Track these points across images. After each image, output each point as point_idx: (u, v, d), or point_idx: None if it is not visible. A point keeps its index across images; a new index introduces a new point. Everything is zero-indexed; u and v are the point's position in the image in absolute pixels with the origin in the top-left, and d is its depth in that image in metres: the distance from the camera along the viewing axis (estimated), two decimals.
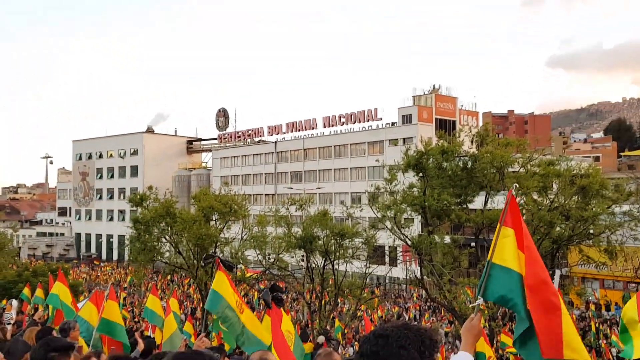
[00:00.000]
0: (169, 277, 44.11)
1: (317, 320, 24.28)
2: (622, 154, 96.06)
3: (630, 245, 22.20)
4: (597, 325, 28.09)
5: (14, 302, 17.29)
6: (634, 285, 34.20)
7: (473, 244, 24.25)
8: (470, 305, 19.02)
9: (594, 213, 20.61)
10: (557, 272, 4.36)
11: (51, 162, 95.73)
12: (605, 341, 25.82)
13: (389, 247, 30.26)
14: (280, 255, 25.71)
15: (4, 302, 19.28)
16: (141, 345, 8.32)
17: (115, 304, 8.31)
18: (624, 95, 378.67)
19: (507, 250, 3.89)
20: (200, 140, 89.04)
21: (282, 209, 26.16)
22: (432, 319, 33.15)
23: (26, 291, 16.82)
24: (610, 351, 24.49)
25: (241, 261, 25.47)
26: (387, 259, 35.02)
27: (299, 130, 69.51)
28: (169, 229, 25.12)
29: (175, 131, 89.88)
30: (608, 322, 29.64)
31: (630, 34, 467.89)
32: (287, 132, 70.69)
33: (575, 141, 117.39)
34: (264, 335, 6.34)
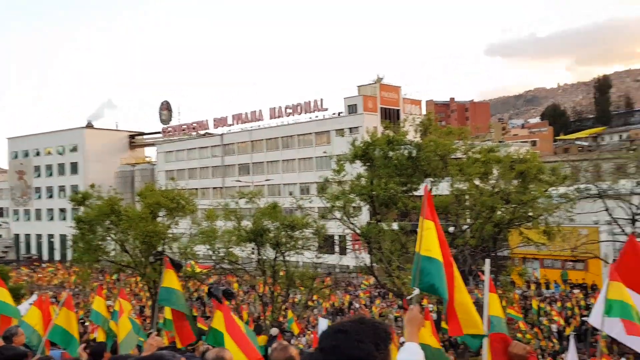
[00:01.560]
0: (115, 277, 43.07)
1: (270, 313, 24.33)
2: (557, 137, 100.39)
3: (567, 225, 23.28)
4: (538, 303, 29.48)
5: None
6: (570, 263, 35.95)
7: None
8: (407, 298, 19.50)
9: (532, 196, 21.42)
10: (487, 261, 4.68)
11: None
12: (546, 318, 27.13)
13: (339, 236, 30.62)
14: (230, 249, 25.55)
15: None
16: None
17: (71, 313, 8.05)
18: (559, 81, 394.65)
19: (431, 241, 4.29)
20: (143, 134, 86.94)
21: (231, 202, 25.97)
22: (383, 305, 33.86)
23: None
24: (551, 327, 25.75)
25: (190, 257, 25.18)
26: (337, 248, 35.39)
27: (245, 122, 68.92)
28: (115, 227, 24.53)
29: (117, 125, 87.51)
30: (548, 300, 31.14)
31: (562, 24, 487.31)
32: (233, 124, 69.99)
33: (513, 127, 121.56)
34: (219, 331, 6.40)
